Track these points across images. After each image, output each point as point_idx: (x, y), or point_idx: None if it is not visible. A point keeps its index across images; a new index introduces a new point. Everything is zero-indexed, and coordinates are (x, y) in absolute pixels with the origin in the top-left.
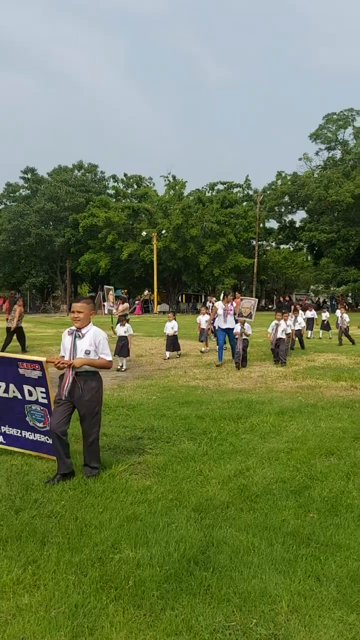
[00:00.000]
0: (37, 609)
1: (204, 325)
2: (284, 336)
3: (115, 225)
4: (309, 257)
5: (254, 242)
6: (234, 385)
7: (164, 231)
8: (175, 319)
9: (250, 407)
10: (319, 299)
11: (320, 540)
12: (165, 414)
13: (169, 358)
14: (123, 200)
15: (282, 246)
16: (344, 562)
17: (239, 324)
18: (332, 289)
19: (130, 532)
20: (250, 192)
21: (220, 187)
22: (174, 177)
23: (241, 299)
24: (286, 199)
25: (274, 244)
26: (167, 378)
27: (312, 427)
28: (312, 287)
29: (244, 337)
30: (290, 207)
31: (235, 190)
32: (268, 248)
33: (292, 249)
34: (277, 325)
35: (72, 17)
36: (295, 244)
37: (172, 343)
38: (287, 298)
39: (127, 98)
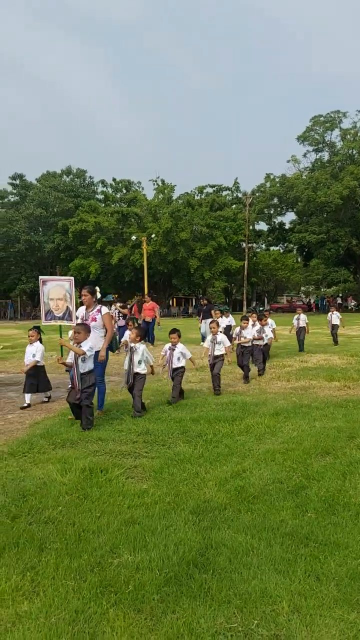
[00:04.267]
0: (37, 616)
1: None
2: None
3: (104, 230)
4: (299, 259)
5: (244, 245)
6: (228, 388)
7: (153, 235)
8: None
9: (245, 408)
10: (309, 300)
11: (318, 540)
12: (159, 417)
13: None
14: (112, 205)
15: (272, 248)
16: (343, 560)
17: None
18: (322, 290)
19: (128, 536)
20: (240, 195)
21: (209, 190)
22: (162, 181)
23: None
24: (275, 200)
25: (263, 246)
26: (160, 382)
27: (307, 428)
28: (302, 288)
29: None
30: (279, 209)
31: (224, 193)
32: (258, 250)
33: (282, 250)
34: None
35: (50, 24)
36: (285, 245)
37: None
38: (204, 302)
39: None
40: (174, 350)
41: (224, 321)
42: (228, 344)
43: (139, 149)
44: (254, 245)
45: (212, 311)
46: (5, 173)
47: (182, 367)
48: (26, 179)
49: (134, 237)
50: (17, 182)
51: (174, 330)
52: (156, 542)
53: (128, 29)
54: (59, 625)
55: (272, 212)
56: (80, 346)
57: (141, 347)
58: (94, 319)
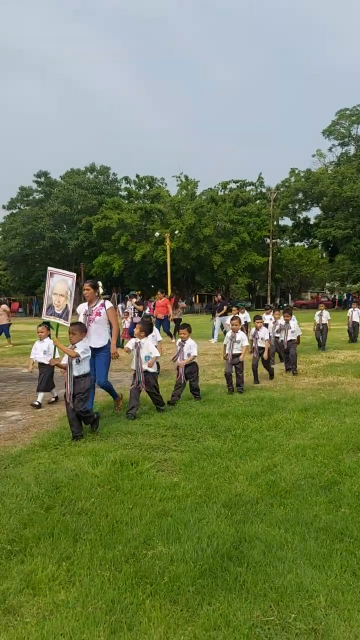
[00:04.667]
0: (74, 605)
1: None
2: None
3: (128, 226)
4: (323, 255)
5: (268, 240)
6: (255, 384)
7: (176, 231)
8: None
9: (273, 404)
10: (334, 296)
11: (354, 535)
12: (187, 411)
13: None
14: (135, 202)
15: (296, 244)
16: None
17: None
18: (347, 285)
19: (161, 528)
20: (264, 190)
21: (233, 185)
22: (186, 177)
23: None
24: (300, 195)
25: (288, 241)
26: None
27: (337, 423)
28: (327, 284)
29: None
30: (304, 204)
31: (248, 188)
32: (282, 246)
33: (306, 246)
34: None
35: (74, 21)
36: (310, 241)
37: None
38: (218, 298)
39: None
40: (183, 346)
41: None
42: (247, 343)
43: (162, 145)
44: (278, 240)
45: (226, 307)
46: (30, 171)
47: (194, 364)
48: (50, 177)
49: (157, 234)
50: (42, 179)
51: (184, 326)
52: (189, 535)
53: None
54: (96, 615)
55: (296, 207)
56: (75, 347)
57: (147, 342)
58: (98, 314)
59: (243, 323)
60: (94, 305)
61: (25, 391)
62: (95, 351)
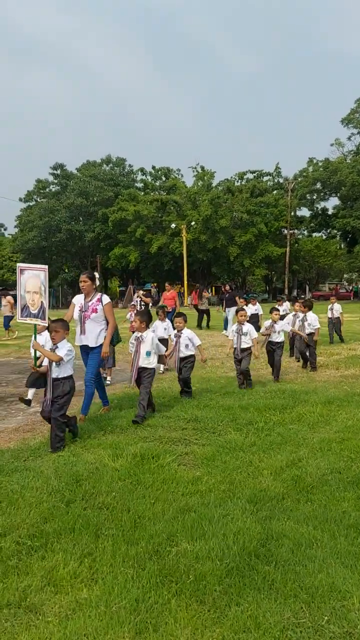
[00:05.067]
0: (97, 604)
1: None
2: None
3: (144, 218)
4: (342, 245)
5: (285, 231)
6: (268, 376)
7: (193, 223)
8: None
9: (295, 397)
10: (352, 287)
11: None
12: (207, 404)
13: None
14: (151, 193)
15: (314, 234)
16: None
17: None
18: None
19: (185, 524)
20: (281, 180)
21: (250, 176)
22: (202, 168)
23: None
24: (318, 185)
25: (305, 232)
26: (204, 369)
27: None
28: (345, 275)
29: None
30: (322, 194)
31: (265, 178)
32: (300, 237)
33: (324, 237)
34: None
35: (88, 11)
36: (328, 231)
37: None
38: (226, 288)
39: (150, 91)
40: (179, 337)
41: (249, 309)
42: (255, 335)
43: (178, 136)
44: (296, 231)
45: (237, 298)
46: (46, 164)
47: (192, 356)
48: (67, 169)
49: (173, 225)
50: (58, 172)
51: (179, 315)
52: (214, 531)
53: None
54: (120, 614)
55: (314, 197)
56: (57, 348)
57: (149, 335)
58: (95, 310)
59: (250, 315)
60: (90, 300)
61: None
62: (90, 349)
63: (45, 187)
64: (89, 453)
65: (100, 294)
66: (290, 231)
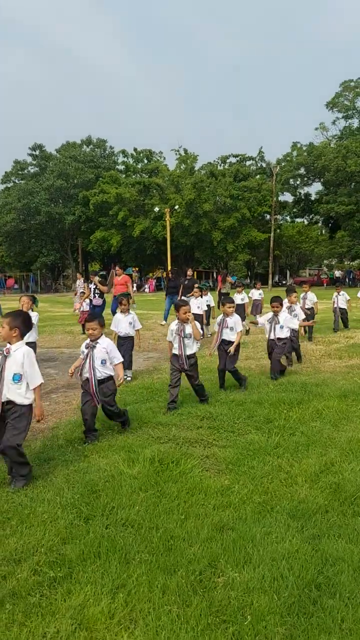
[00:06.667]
0: None
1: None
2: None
3: (126, 201)
4: (323, 231)
5: (269, 217)
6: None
7: (176, 207)
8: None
9: (306, 389)
10: (334, 273)
11: None
12: (218, 399)
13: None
14: (133, 176)
15: (296, 220)
16: None
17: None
18: (345, 263)
19: (225, 546)
20: (264, 165)
21: (233, 160)
22: (185, 151)
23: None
24: (302, 170)
25: (288, 217)
26: (203, 358)
27: None
28: (325, 261)
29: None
30: (306, 179)
31: (248, 163)
32: (282, 222)
33: (306, 222)
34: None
35: None
36: (311, 217)
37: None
38: (190, 273)
39: (131, 73)
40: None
41: (202, 301)
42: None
43: (160, 119)
44: (278, 217)
45: (183, 285)
46: (24, 145)
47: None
48: (46, 150)
49: (156, 209)
50: (37, 152)
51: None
52: (261, 555)
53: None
54: None
55: (298, 182)
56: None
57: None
58: None
59: (204, 308)
60: None
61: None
62: None
63: (24, 168)
64: (100, 457)
65: None
66: (274, 217)
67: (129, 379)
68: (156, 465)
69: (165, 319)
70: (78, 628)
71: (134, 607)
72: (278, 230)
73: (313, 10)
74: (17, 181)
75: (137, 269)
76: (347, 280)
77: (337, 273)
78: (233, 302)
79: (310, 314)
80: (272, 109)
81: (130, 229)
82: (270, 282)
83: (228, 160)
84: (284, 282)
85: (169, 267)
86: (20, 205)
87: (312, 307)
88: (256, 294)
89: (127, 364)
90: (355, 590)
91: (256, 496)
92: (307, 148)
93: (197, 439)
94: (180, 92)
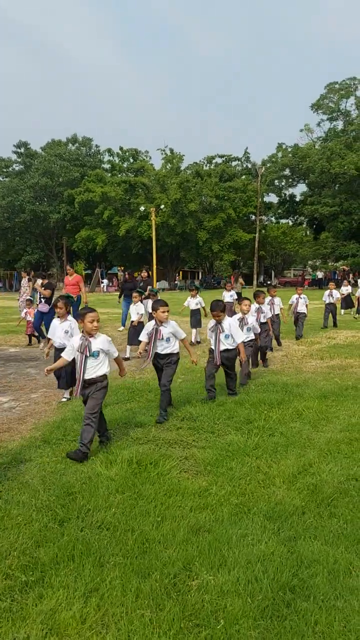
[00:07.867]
0: None
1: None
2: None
3: (111, 200)
4: (308, 232)
5: (254, 217)
6: (260, 367)
7: (162, 206)
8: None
9: (287, 390)
10: (317, 274)
11: None
12: (199, 399)
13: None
14: (119, 175)
15: (281, 221)
16: None
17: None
18: (329, 264)
19: (201, 549)
20: (249, 166)
21: (219, 160)
22: (171, 150)
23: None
24: (287, 172)
25: (273, 218)
26: (186, 358)
27: None
28: (309, 262)
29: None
30: (290, 180)
31: (234, 163)
32: (267, 223)
33: (291, 223)
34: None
35: None
36: (295, 218)
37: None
38: (144, 275)
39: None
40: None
41: (190, 302)
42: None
43: (146, 118)
44: (263, 217)
45: (150, 287)
46: (9, 142)
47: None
48: (31, 148)
49: (142, 208)
50: (22, 150)
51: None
52: (236, 558)
53: None
54: None
55: (283, 183)
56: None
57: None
58: None
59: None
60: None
61: (16, 373)
62: None
63: (8, 165)
64: (75, 462)
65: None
66: (259, 217)
67: (64, 400)
68: (134, 467)
69: (123, 324)
70: (49, 633)
71: (107, 611)
72: (263, 231)
73: (302, 10)
74: (1, 179)
75: (122, 268)
76: (326, 281)
77: (320, 274)
78: (224, 308)
79: (277, 320)
80: (258, 109)
81: (116, 228)
82: (255, 282)
83: (214, 161)
84: (268, 282)
85: (155, 267)
86: (5, 203)
87: (279, 313)
88: (227, 296)
89: (64, 384)
90: (329, 593)
91: (233, 498)
92: (292, 149)
93: (176, 440)
94: (167, 92)
